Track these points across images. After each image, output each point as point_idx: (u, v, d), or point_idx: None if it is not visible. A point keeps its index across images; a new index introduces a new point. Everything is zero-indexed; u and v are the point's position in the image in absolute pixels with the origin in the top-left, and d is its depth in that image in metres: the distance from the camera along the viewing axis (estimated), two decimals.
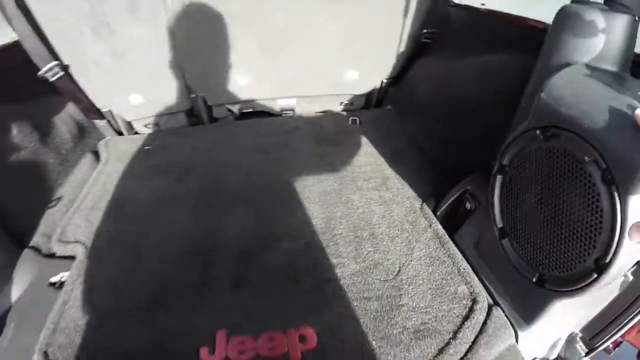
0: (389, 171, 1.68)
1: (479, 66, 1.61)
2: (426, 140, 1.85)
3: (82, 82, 1.97)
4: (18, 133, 1.63)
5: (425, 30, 2.01)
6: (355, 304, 1.11)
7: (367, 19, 1.90)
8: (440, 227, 1.34)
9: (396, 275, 1.19)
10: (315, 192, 1.59)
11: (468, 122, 1.60)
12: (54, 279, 1.37)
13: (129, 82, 2.04)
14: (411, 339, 1.02)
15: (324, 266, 1.25)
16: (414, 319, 1.07)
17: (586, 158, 0.81)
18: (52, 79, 1.87)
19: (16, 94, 1.71)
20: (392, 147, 1.86)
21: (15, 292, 1.33)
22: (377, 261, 1.25)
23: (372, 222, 1.40)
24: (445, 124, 1.74)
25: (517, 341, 1.04)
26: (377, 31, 1.97)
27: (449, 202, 1.40)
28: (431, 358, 0.97)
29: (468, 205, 1.31)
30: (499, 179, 1.10)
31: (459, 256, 1.22)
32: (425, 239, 1.30)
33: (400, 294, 1.13)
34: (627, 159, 0.72)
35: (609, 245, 0.77)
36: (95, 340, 1.15)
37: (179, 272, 1.32)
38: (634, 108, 0.72)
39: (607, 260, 0.78)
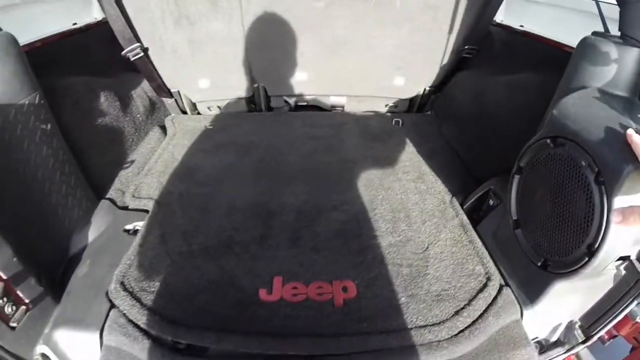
0: (425, 167, 1.82)
1: (510, 83, 1.73)
2: (459, 144, 1.98)
3: (158, 64, 2.17)
4: (104, 100, 1.80)
5: (467, 46, 2.15)
6: (389, 268, 1.27)
7: (417, 33, 2.07)
8: (465, 217, 1.48)
9: (424, 250, 1.34)
10: (361, 178, 1.75)
11: (496, 131, 1.72)
12: (128, 227, 1.51)
13: (200, 68, 2.22)
14: (433, 300, 1.15)
15: (367, 236, 1.41)
16: (437, 286, 1.20)
17: (583, 163, 0.95)
18: (132, 59, 2.08)
19: (97, 68, 1.88)
20: (429, 148, 2.00)
21: (92, 234, 1.47)
22: (409, 237, 1.40)
23: (407, 206, 1.55)
24: (477, 131, 1.86)
25: (522, 318, 1.15)
26: (425, 44, 2.13)
27: (474, 198, 1.53)
28: (448, 317, 1.10)
29: (491, 202, 1.46)
30: (516, 178, 1.24)
31: (479, 242, 1.36)
32: (452, 225, 1.44)
33: (427, 265, 1.28)
34: (615, 166, 0.86)
35: (598, 233, 0.90)
36: (167, 276, 1.28)
37: (243, 227, 1.48)
38: (628, 127, 0.85)
39: (596, 246, 0.91)
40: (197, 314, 1.14)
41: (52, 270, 1.30)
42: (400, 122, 2.28)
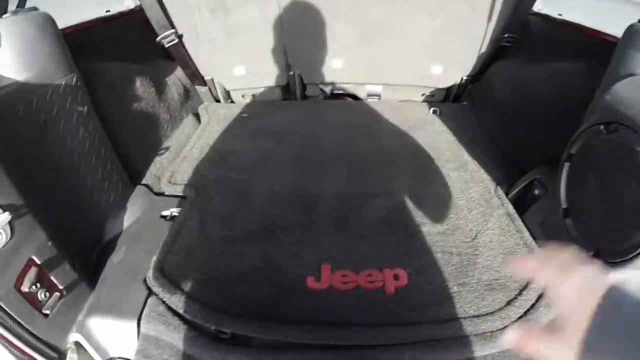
0: (466, 156, 1.76)
1: (550, 72, 1.67)
2: (499, 134, 1.90)
3: (192, 51, 2.16)
4: (140, 86, 1.77)
5: (506, 35, 2.07)
6: (439, 256, 1.23)
7: (456, 21, 2.03)
8: (511, 207, 1.43)
9: (473, 239, 1.30)
10: (403, 166, 1.71)
11: (537, 120, 1.65)
12: (164, 213, 1.47)
13: (235, 56, 2.20)
14: (485, 289, 1.12)
15: (414, 222, 1.38)
16: (487, 275, 1.16)
17: (638, 148, 0.93)
18: (167, 45, 2.06)
19: (131, 54, 1.86)
20: (469, 137, 1.93)
21: (128, 220, 1.44)
22: (457, 225, 1.36)
23: (453, 195, 1.51)
24: (518, 121, 1.79)
25: None
26: (463, 33, 2.07)
27: (520, 187, 1.49)
28: (501, 306, 1.06)
29: (536, 192, 1.42)
30: (566, 166, 1.21)
31: (527, 232, 1.31)
32: (498, 214, 1.40)
33: (476, 254, 1.24)
34: None
35: None
36: (207, 262, 1.24)
37: (285, 213, 1.44)
38: None
39: None
40: (241, 302, 1.11)
41: (86, 255, 1.27)
42: (438, 111, 2.21)
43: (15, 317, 0.93)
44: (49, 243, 1.03)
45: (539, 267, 0.47)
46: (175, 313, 1.07)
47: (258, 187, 1.58)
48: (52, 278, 1.04)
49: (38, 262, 0.99)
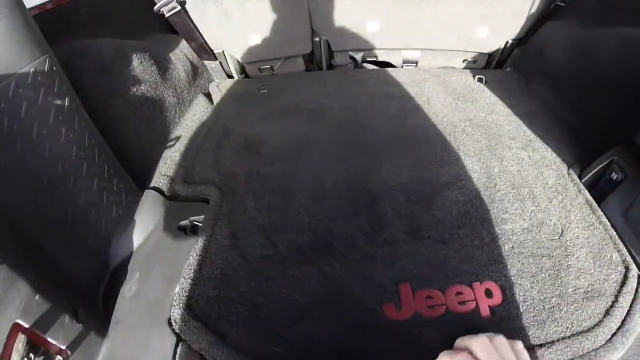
0: (529, 133, 1.55)
1: (622, 37, 1.41)
2: (561, 107, 1.67)
3: (198, 20, 1.84)
4: (139, 65, 1.47)
5: None
6: (530, 260, 1.07)
7: None
8: (588, 194, 1.26)
9: (560, 236, 1.14)
10: (467, 145, 1.48)
11: (607, 93, 1.43)
12: (183, 223, 1.19)
13: (248, 22, 1.89)
14: (583, 298, 0.99)
15: (495, 220, 1.19)
16: (582, 280, 1.03)
17: None
18: (167, 15, 1.74)
19: (127, 29, 1.58)
20: (525, 109, 1.70)
21: (138, 237, 1.16)
22: (541, 220, 1.18)
23: (528, 181, 1.32)
24: (581, 92, 1.56)
25: None
26: None
27: (595, 171, 1.31)
28: (600, 318, 0.94)
29: (614, 176, 1.26)
30: None
31: (609, 224, 1.16)
32: (578, 203, 1.23)
33: (567, 255, 1.09)
34: None
35: None
36: (250, 292, 1.00)
37: (342, 216, 1.20)
38: None
39: None
40: (306, 348, 0.89)
41: (90, 295, 1.01)
42: (484, 79, 1.97)
43: None
44: (37, 296, 0.76)
45: None
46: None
47: (302, 182, 1.31)
48: (49, 339, 0.78)
49: (25, 325, 0.73)
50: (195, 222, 1.19)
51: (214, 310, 0.95)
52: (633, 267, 1.04)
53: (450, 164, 1.37)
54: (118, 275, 1.08)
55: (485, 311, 0.95)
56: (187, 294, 0.97)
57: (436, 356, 0.76)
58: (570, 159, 1.39)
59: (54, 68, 0.94)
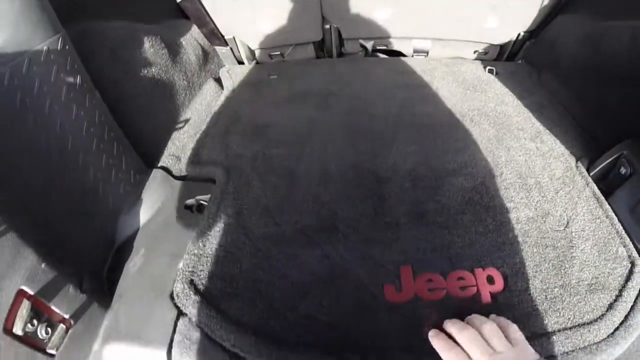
0: (538, 124, 1.53)
1: (635, 30, 1.38)
2: (571, 100, 1.65)
3: (209, 5, 1.84)
4: (150, 48, 1.48)
5: None
6: (534, 250, 1.06)
7: None
8: (596, 187, 1.25)
9: (566, 227, 1.13)
10: (475, 134, 1.47)
11: (619, 85, 1.40)
12: (189, 202, 1.21)
13: (260, 8, 1.89)
14: (586, 291, 0.98)
15: (500, 208, 1.18)
16: (587, 273, 1.02)
17: None
18: (179, 0, 1.76)
19: (138, 12, 1.58)
20: (535, 101, 1.68)
21: (144, 214, 1.18)
22: (547, 210, 1.17)
23: (535, 172, 1.31)
24: (594, 86, 1.54)
25: None
26: None
27: (603, 164, 1.29)
28: (604, 312, 0.94)
29: (623, 170, 1.24)
30: None
31: (616, 218, 1.15)
32: (585, 196, 1.22)
33: (572, 246, 1.08)
34: None
35: None
36: (252, 269, 1.01)
37: (347, 199, 1.20)
38: None
39: None
40: (306, 326, 0.90)
41: (95, 268, 1.03)
42: (494, 70, 1.95)
43: None
44: (43, 264, 0.79)
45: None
46: (215, 342, 0.87)
47: (308, 165, 1.31)
48: (53, 307, 0.81)
49: (30, 292, 0.76)
50: (201, 201, 1.21)
51: (216, 285, 0.96)
52: (639, 262, 1.04)
53: (457, 151, 1.37)
54: (123, 250, 1.10)
55: (486, 298, 0.95)
56: (190, 269, 0.99)
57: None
58: (579, 152, 1.38)
59: (67, 47, 0.96)
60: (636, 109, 1.25)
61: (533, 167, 1.32)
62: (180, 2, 1.78)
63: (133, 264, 1.05)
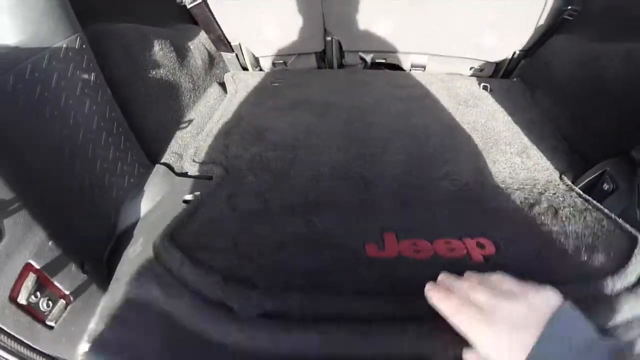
0: (526, 140, 1.58)
1: (628, 52, 1.42)
2: (561, 117, 1.69)
3: (218, 13, 1.94)
4: (159, 51, 1.56)
5: (569, 7, 1.81)
6: (525, 227, 1.09)
7: None
8: (580, 192, 1.27)
9: (555, 215, 1.15)
10: (464, 145, 1.53)
11: (606, 106, 1.45)
12: (187, 197, 1.27)
13: (265, 18, 1.98)
14: (585, 252, 0.98)
15: (487, 201, 1.22)
16: (582, 254, 1.00)
17: None
18: (189, 6, 1.86)
19: (149, 16, 1.67)
20: (526, 118, 1.73)
21: (145, 206, 1.24)
22: (533, 203, 1.20)
23: (519, 179, 1.34)
24: (582, 104, 1.59)
25: None
26: (521, 1, 1.84)
27: (588, 179, 1.33)
28: (608, 272, 0.92)
29: (605, 186, 1.28)
30: None
31: (606, 210, 1.17)
32: (571, 197, 1.24)
33: (564, 223, 1.10)
34: None
35: None
36: (234, 232, 1.06)
37: (334, 194, 1.25)
38: None
39: None
40: (278, 273, 0.92)
41: (97, 251, 1.10)
42: (489, 87, 2.00)
43: (13, 334, 0.77)
44: (50, 242, 0.86)
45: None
46: (183, 284, 0.88)
47: (302, 166, 1.38)
48: (56, 283, 0.88)
49: (37, 266, 0.83)
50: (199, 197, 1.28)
51: (196, 242, 1.00)
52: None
53: (445, 162, 1.42)
54: (124, 238, 1.16)
55: (477, 257, 0.94)
56: (173, 228, 1.04)
57: (421, 293, 0.73)
58: (564, 168, 1.42)
59: (84, 46, 1.04)
60: (623, 128, 1.28)
61: (517, 177, 1.36)
62: (190, 8, 1.87)
63: (132, 251, 1.10)
